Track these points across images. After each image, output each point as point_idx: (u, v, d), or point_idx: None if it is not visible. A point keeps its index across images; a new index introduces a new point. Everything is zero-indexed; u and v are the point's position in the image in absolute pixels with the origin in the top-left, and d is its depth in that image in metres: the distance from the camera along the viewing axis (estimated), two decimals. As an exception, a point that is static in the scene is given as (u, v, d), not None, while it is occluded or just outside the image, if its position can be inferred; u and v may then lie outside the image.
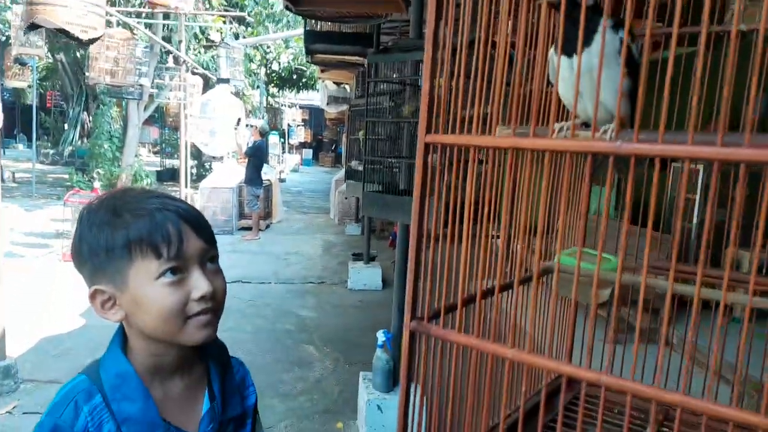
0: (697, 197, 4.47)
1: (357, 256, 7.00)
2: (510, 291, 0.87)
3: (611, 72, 0.69)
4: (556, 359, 0.63)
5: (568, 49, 0.72)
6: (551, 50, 0.78)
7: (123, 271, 0.88)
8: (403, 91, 3.37)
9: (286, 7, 3.11)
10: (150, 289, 0.87)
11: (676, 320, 1.54)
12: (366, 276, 6.64)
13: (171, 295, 0.87)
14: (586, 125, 0.75)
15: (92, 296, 0.92)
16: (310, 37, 4.82)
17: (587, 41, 0.71)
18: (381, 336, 3.38)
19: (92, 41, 3.96)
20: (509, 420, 0.89)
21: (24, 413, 3.56)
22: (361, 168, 4.51)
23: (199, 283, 0.88)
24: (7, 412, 3.56)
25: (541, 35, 0.72)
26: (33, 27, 3.93)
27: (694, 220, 4.70)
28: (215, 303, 0.91)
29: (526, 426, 0.86)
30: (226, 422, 1.02)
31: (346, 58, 6.13)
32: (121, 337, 0.95)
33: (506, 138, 0.58)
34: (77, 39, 4.05)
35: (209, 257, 0.92)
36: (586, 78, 0.68)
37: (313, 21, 5.43)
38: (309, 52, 5.35)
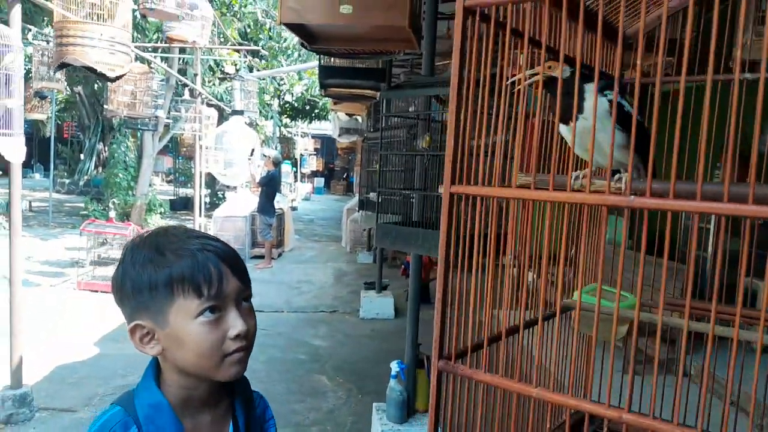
0: (711, 226, 4.46)
1: (369, 285, 7.01)
2: (531, 328, 0.90)
3: (606, 132, 0.74)
4: (577, 397, 0.66)
5: (564, 119, 0.78)
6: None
7: (164, 308, 0.91)
8: (416, 125, 3.45)
9: (302, 44, 3.21)
10: (189, 326, 0.90)
11: (693, 350, 1.56)
12: (378, 305, 6.65)
13: (209, 333, 0.91)
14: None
15: (132, 331, 0.95)
16: (325, 72, 4.94)
17: (580, 109, 0.76)
18: (395, 366, 3.39)
19: (118, 78, 4.09)
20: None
21: (40, 442, 3.59)
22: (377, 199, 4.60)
23: (235, 322, 0.92)
24: (23, 440, 3.59)
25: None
26: (63, 66, 4.08)
27: (709, 249, 4.68)
28: (248, 341, 0.94)
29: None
30: None
31: (359, 91, 6.24)
32: (155, 369, 0.99)
33: (526, 191, 0.63)
34: (104, 76, 4.19)
35: (244, 296, 0.96)
36: (586, 139, 0.73)
37: (327, 56, 5.57)
38: (323, 86, 5.47)
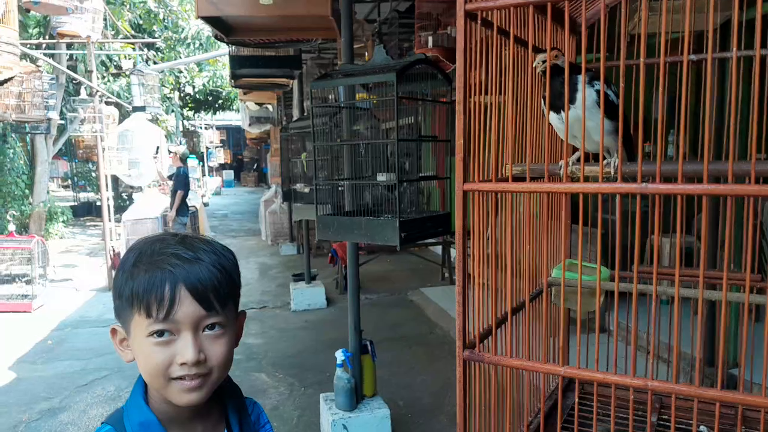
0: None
1: (298, 276, 6.96)
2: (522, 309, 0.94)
3: (594, 120, 0.78)
4: (602, 372, 0.69)
5: (556, 107, 0.82)
6: (543, 106, 0.87)
7: (128, 319, 0.91)
8: (339, 113, 3.43)
9: (217, 37, 3.10)
10: (142, 343, 0.89)
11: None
12: (309, 296, 6.62)
13: (155, 354, 0.88)
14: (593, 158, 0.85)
15: (112, 332, 0.96)
16: (236, 62, 4.79)
17: (571, 99, 0.80)
18: (340, 355, 3.40)
19: (7, 81, 3.77)
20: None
21: (-37, 482, 3.32)
22: (306, 190, 4.54)
23: (183, 349, 0.88)
24: (-57, 483, 3.30)
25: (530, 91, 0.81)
26: (-61, 69, 3.70)
27: (617, 213, 5.05)
28: (205, 369, 0.90)
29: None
30: None
31: (270, 80, 6.12)
32: (143, 385, 0.96)
33: (542, 184, 0.65)
34: (-9, 79, 3.84)
35: (208, 324, 0.90)
36: (575, 127, 0.77)
37: (235, 46, 5.40)
38: (235, 77, 5.31)
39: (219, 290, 0.91)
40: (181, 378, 0.89)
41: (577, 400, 0.83)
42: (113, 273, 5.91)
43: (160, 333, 0.87)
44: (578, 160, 0.84)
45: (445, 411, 4.04)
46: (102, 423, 0.95)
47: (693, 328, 1.28)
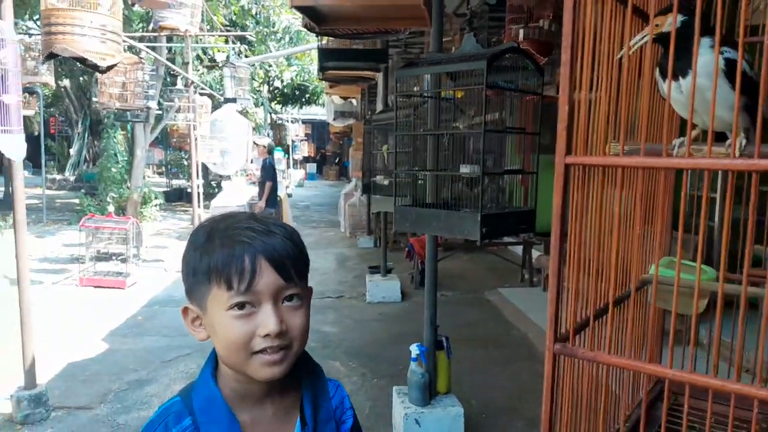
0: (717, 196, 4.48)
1: (374, 269, 6.99)
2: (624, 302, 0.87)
3: (721, 93, 0.69)
4: (720, 378, 0.62)
5: (676, 73, 0.73)
6: (657, 73, 0.79)
7: (204, 295, 0.90)
8: (425, 103, 3.39)
9: (307, 27, 3.14)
10: (221, 317, 0.88)
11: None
12: (384, 289, 6.63)
13: (237, 327, 0.87)
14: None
15: (184, 312, 0.96)
16: (325, 54, 4.85)
17: (689, 65, 0.72)
18: (415, 349, 3.37)
19: (110, 68, 3.98)
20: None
21: (58, 441, 3.55)
22: (386, 183, 4.55)
23: (266, 320, 0.87)
24: (41, 440, 3.55)
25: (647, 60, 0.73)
26: (51, 56, 3.95)
27: (716, 219, 4.71)
28: (286, 341, 0.89)
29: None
30: None
31: (356, 73, 6.16)
32: (214, 361, 0.97)
33: (658, 158, 0.59)
34: (95, 67, 4.08)
35: (287, 295, 0.90)
36: (697, 98, 0.68)
37: (324, 39, 5.48)
38: (323, 69, 5.39)
39: (295, 261, 0.92)
40: (262, 351, 0.88)
41: (665, 411, 0.75)
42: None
43: (241, 305, 0.87)
44: (693, 139, 0.76)
45: (521, 414, 3.92)
46: (175, 394, 0.98)
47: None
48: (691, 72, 0.67)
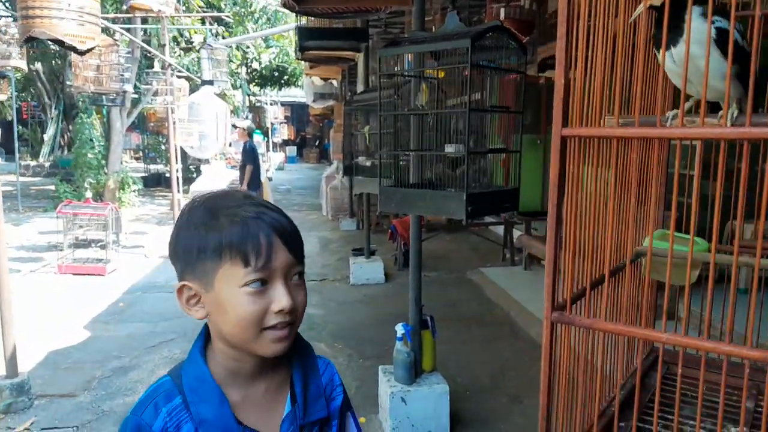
0: (695, 173, 4.56)
1: (357, 251, 7.00)
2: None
3: (713, 62, 0.70)
4: (712, 340, 0.63)
5: (669, 42, 0.73)
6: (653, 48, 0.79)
7: (211, 272, 0.89)
8: (407, 83, 3.36)
9: (286, 5, 3.08)
10: (233, 294, 0.88)
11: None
12: (368, 270, 6.65)
13: (251, 304, 0.88)
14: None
15: (179, 291, 0.93)
16: (304, 34, 4.79)
17: (682, 34, 0.72)
18: (400, 329, 3.39)
19: (89, 50, 3.88)
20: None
21: (42, 429, 3.52)
22: (368, 164, 4.53)
23: (280, 296, 0.89)
24: (25, 429, 3.52)
25: (641, 33, 0.73)
26: (29, 40, 3.84)
27: (693, 196, 4.81)
28: (293, 317, 0.91)
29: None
30: (310, 426, 1.01)
31: (336, 53, 6.10)
32: (204, 340, 0.97)
33: (653, 129, 0.59)
34: (74, 49, 3.97)
35: (295, 272, 0.92)
36: (690, 67, 0.69)
37: (303, 19, 5.41)
38: (302, 49, 5.32)
39: (300, 239, 0.94)
40: (272, 327, 0.89)
41: (660, 379, 0.76)
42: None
43: (260, 281, 0.87)
44: (686, 110, 0.76)
45: (504, 391, 3.98)
46: (165, 374, 0.97)
47: None
48: (682, 41, 0.67)
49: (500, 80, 2.73)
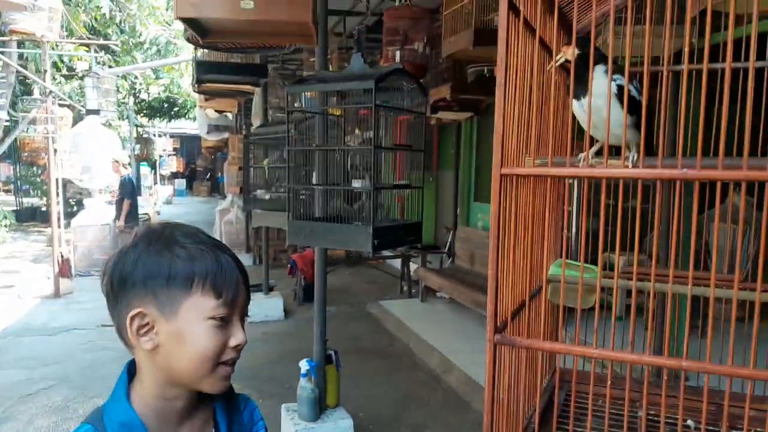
0: (573, 209, 4.96)
1: (255, 288, 6.85)
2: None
3: (614, 113, 0.82)
4: (637, 353, 0.72)
5: (577, 95, 0.85)
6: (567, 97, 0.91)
7: (177, 301, 0.87)
8: (306, 120, 3.42)
9: (189, 40, 3.06)
10: (197, 326, 0.87)
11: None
12: (267, 307, 6.52)
13: (214, 337, 0.88)
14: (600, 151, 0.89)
15: (132, 318, 0.87)
16: (203, 68, 4.73)
17: (586, 88, 0.84)
18: (305, 365, 3.36)
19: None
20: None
21: None
22: (267, 197, 4.50)
23: (237, 332, 0.91)
24: None
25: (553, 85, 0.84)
26: None
27: (573, 230, 5.20)
28: (238, 356, 0.93)
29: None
30: None
31: (234, 86, 6.06)
32: (127, 381, 0.93)
33: (582, 169, 0.68)
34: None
35: (246, 311, 0.94)
36: (594, 116, 0.80)
37: (201, 51, 5.35)
38: (200, 81, 5.24)
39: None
40: (224, 363, 0.90)
41: (574, 394, 0.85)
42: (59, 280, 5.64)
43: (224, 316, 0.87)
44: (597, 152, 0.88)
45: (406, 422, 4.04)
46: (81, 422, 0.91)
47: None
48: (588, 94, 0.79)
49: (395, 119, 2.88)
